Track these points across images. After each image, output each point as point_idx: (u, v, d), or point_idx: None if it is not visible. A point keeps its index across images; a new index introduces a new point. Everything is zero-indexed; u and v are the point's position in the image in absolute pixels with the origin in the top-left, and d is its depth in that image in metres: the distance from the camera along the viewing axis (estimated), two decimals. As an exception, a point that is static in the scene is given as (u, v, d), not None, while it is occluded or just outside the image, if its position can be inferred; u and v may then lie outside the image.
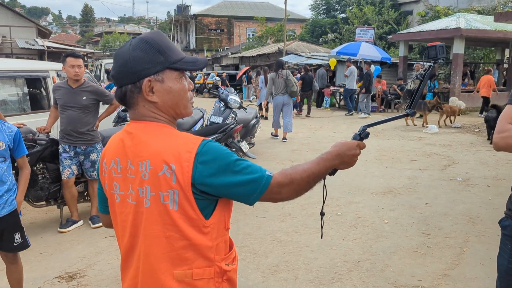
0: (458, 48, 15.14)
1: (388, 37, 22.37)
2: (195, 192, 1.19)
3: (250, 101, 8.40)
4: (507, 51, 19.63)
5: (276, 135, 9.65)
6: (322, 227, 1.59)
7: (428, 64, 1.65)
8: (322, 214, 1.55)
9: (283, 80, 9.06)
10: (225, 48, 41.01)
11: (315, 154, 7.85)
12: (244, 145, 6.21)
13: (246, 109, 7.13)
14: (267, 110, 12.83)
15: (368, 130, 1.47)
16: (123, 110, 6.54)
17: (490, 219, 4.52)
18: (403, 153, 7.88)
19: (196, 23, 43.61)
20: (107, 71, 9.28)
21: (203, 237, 1.23)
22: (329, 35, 29.82)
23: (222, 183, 1.19)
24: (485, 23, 15.63)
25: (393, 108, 15.43)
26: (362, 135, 1.45)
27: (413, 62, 19.80)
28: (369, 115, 13.42)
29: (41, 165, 4.33)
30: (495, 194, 5.39)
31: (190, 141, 1.21)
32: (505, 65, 19.22)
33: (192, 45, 43.92)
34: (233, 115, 6.48)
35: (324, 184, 1.44)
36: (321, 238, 1.83)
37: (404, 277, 3.34)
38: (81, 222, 4.47)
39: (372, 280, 3.30)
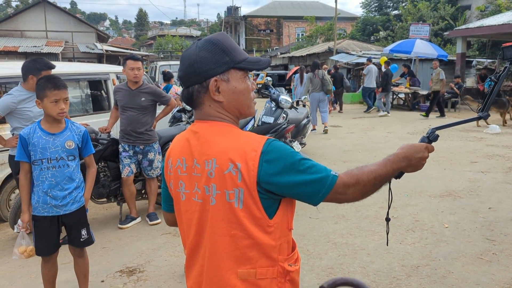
0: (523, 43, 14.18)
1: (445, 33, 21.46)
2: (260, 191, 1.19)
3: (302, 101, 8.39)
4: None
5: (314, 129, 10.15)
6: (387, 233, 1.53)
7: (505, 65, 1.55)
8: (388, 219, 1.51)
9: (319, 79, 10.13)
10: (275, 48, 41.06)
11: (368, 154, 7.72)
12: (296, 145, 6.18)
13: (297, 109, 7.09)
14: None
15: (437, 132, 1.41)
16: (178, 111, 6.72)
17: (563, 226, 4.20)
18: (463, 155, 7.51)
19: (245, 24, 44.01)
20: (163, 73, 9.59)
21: (266, 236, 1.23)
22: (381, 33, 29.06)
23: (287, 182, 1.19)
24: (554, 16, 14.57)
25: (450, 107, 14.75)
26: (430, 138, 1.40)
27: (471, 60, 18.87)
28: (388, 113, 13.50)
29: (102, 163, 4.53)
30: None
31: (255, 140, 1.22)
32: None
33: (242, 46, 44.34)
34: (284, 115, 6.46)
35: (390, 188, 1.39)
36: (387, 245, 1.77)
37: (468, 285, 3.18)
38: (139, 219, 4.64)
39: (433, 286, 3.16)
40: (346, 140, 9.25)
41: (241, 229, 1.22)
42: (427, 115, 12.82)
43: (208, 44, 1.27)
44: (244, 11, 46.39)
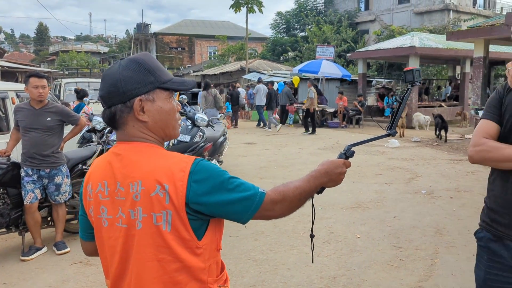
0: (413, 65, 15.79)
1: (347, 55, 23.08)
2: (189, 212, 1.18)
3: (218, 119, 8.43)
4: (458, 68, 20.69)
5: None
6: (312, 250, 1.59)
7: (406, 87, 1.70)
8: (312, 236, 1.57)
9: (212, 97, 11.51)
10: (187, 66, 40.93)
11: (283, 170, 7.92)
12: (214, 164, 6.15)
13: (214, 127, 7.09)
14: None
15: (353, 149, 1.51)
16: (88, 131, 6.34)
17: (456, 230, 4.67)
18: (368, 168, 8.07)
19: (156, 42, 43.37)
20: (76, 91, 9.08)
21: (195, 258, 1.21)
22: (289, 53, 30.45)
23: (217, 201, 1.18)
24: (437, 42, 16.46)
25: (354, 123, 15.83)
26: (347, 154, 1.50)
27: (371, 79, 20.52)
28: (270, 129, 14.82)
29: (1, 190, 4.10)
30: (458, 206, 5.59)
31: (182, 160, 1.21)
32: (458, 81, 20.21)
33: (153, 64, 43.49)
34: (201, 133, 6.42)
35: (313, 203, 1.45)
36: (312, 262, 1.82)
37: (381, 291, 3.37)
38: (45, 249, 4.25)
39: (350, 295, 3.31)
40: (262, 156, 9.45)
41: (169, 252, 1.19)
42: (307, 131, 13.77)
43: (132, 63, 1.24)
44: (154, 28, 45.60)
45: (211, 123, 6.79)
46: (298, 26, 33.08)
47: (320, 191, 1.41)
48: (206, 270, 1.24)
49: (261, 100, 15.65)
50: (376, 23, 28.77)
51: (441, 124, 11.81)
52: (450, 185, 6.68)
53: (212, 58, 38.85)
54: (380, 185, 6.70)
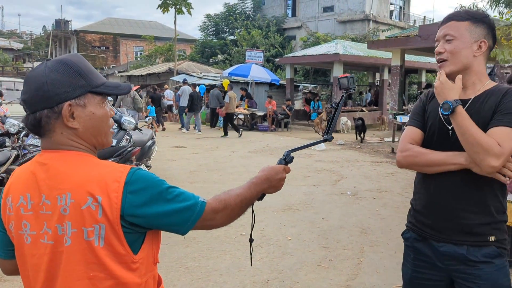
0: (338, 71, 16.53)
1: (276, 60, 23.60)
2: (124, 225, 1.10)
3: (146, 122, 8.15)
4: (377, 75, 22.01)
5: None
6: (251, 253, 1.58)
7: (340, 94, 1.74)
8: (251, 240, 1.56)
9: (131, 98, 11.55)
10: (111, 66, 39.28)
11: (214, 174, 7.86)
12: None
13: (142, 130, 6.85)
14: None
15: (292, 154, 1.52)
16: (1, 134, 5.80)
17: (379, 229, 4.93)
18: (297, 170, 8.27)
19: (78, 40, 41.11)
20: None
21: (131, 274, 1.14)
22: (219, 56, 30.45)
23: (155, 213, 1.12)
24: (359, 50, 17.39)
25: (283, 127, 16.19)
26: (287, 160, 1.51)
27: (298, 84, 21.14)
28: (188, 130, 14.95)
29: None
30: (380, 206, 5.91)
31: (117, 170, 1.13)
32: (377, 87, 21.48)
33: (74, 63, 41.20)
34: (128, 137, 6.16)
35: (253, 210, 1.44)
36: (251, 265, 1.81)
37: (312, 292, 3.45)
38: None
39: (282, 298, 3.34)
40: (191, 160, 9.30)
41: (101, 269, 1.10)
42: (226, 135, 13.83)
43: (60, 65, 1.14)
44: (75, 25, 43.18)
45: (138, 127, 6.56)
46: (227, 29, 33.24)
47: (260, 197, 1.41)
48: (143, 285, 1.17)
49: (185, 101, 15.61)
50: (303, 29, 29.78)
51: (361, 127, 12.78)
52: (372, 186, 7.05)
53: (139, 59, 37.71)
54: (309, 187, 6.89)
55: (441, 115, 1.73)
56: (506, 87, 1.71)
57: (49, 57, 36.65)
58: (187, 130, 14.97)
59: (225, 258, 4.10)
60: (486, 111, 1.65)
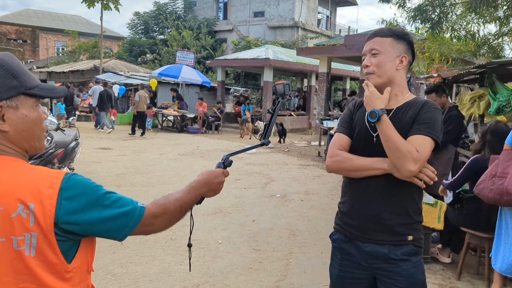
0: (268, 76, 16.88)
1: (207, 62, 23.50)
2: (58, 233, 1.06)
3: (70, 122, 7.69)
4: (305, 81, 22.79)
5: None
6: (190, 259, 1.57)
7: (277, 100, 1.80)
8: (190, 245, 1.56)
9: None
10: (29, 61, 36.62)
11: (142, 177, 7.66)
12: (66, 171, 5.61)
13: (64, 131, 6.48)
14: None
15: (230, 158, 1.54)
16: None
17: (307, 231, 5.11)
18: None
19: (-10, 31, 37.85)
20: None
21: (64, 284, 1.10)
22: (148, 55, 29.67)
23: (92, 219, 1.10)
24: (288, 55, 17.89)
25: (213, 129, 16.16)
26: (225, 163, 1.54)
27: (229, 87, 21.24)
28: (102, 129, 14.78)
29: None
30: (308, 207, 6.13)
31: (50, 176, 1.09)
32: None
33: (-14, 55, 37.90)
34: (49, 138, 5.80)
35: (191, 214, 1.45)
36: (190, 270, 1.80)
37: (242, 294, 3.49)
38: None
39: (213, 302, 3.34)
40: (118, 163, 8.97)
41: (32, 280, 1.05)
42: (133, 133, 13.97)
43: None
44: (-12, 15, 39.54)
45: (60, 127, 6.21)
46: (157, 29, 32.50)
47: (199, 201, 1.42)
48: None
49: (95, 101, 15.51)
50: (234, 33, 29.99)
51: (281, 131, 14.08)
52: (300, 189, 7.28)
53: (60, 54, 35.58)
54: (239, 190, 6.95)
55: (367, 123, 1.86)
56: (424, 99, 1.87)
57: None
58: (102, 128, 14.77)
59: (155, 263, 4.01)
60: (407, 121, 1.80)
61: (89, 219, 1.09)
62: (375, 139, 1.84)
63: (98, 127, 15.03)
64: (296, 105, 21.65)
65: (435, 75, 7.74)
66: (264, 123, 1.72)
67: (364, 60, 1.89)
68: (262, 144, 1.69)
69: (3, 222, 1.03)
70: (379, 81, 1.84)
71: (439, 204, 4.06)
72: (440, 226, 4.05)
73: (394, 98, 1.87)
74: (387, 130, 1.72)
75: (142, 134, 13.91)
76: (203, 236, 4.77)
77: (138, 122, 14.03)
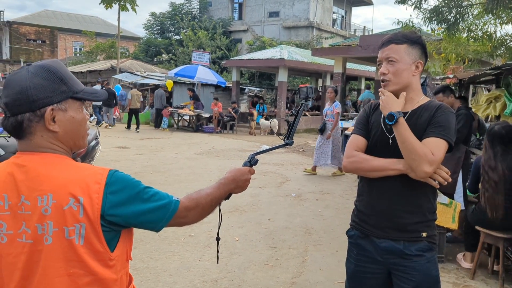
0: (282, 76, 16.95)
1: (222, 62, 23.66)
2: (103, 224, 1.19)
3: (90, 122, 7.90)
4: (320, 81, 22.78)
5: None
6: (218, 252, 1.69)
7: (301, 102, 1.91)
8: (218, 239, 1.66)
9: None
10: (48, 61, 37.27)
11: (159, 176, 7.82)
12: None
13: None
14: None
15: (256, 157, 1.64)
16: None
17: (322, 229, 5.19)
18: (243, 173, 8.41)
19: (10, 31, 38.66)
20: None
21: (108, 270, 1.22)
22: (164, 55, 29.98)
23: (133, 212, 1.21)
24: (303, 56, 17.93)
25: (228, 129, 16.30)
26: (251, 162, 1.64)
27: (244, 87, 21.36)
28: (106, 123, 15.81)
29: None
30: (323, 207, 6.21)
31: (97, 172, 1.21)
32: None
33: (6, 55, 38.73)
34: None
35: (220, 209, 1.54)
36: (217, 263, 1.90)
37: (260, 290, 3.60)
38: None
39: (232, 297, 3.45)
40: (136, 162, 9.16)
41: (81, 266, 1.17)
42: (128, 128, 15.28)
43: (43, 70, 1.20)
44: (8, 16, 40.68)
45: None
46: (173, 29, 32.79)
47: (227, 197, 1.52)
48: (118, 281, 1.25)
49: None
50: (249, 33, 30.11)
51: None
52: (315, 188, 7.36)
53: (78, 55, 36.19)
54: (255, 189, 7.06)
55: (383, 125, 1.94)
56: (438, 103, 1.95)
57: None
58: (106, 123, 15.76)
59: (174, 259, 4.14)
60: (422, 123, 1.88)
61: (130, 212, 1.21)
62: (390, 141, 1.92)
63: (99, 126, 15.66)
64: (310, 105, 21.65)
65: (451, 76, 7.73)
66: (287, 122, 1.82)
67: (380, 67, 1.97)
68: (286, 144, 1.79)
69: (56, 213, 1.15)
70: (395, 88, 1.92)
71: (453, 204, 4.11)
72: (454, 226, 4.10)
73: (410, 101, 1.95)
74: (404, 132, 1.81)
75: (137, 129, 14.86)
76: (221, 234, 4.86)
77: (134, 117, 15.26)
